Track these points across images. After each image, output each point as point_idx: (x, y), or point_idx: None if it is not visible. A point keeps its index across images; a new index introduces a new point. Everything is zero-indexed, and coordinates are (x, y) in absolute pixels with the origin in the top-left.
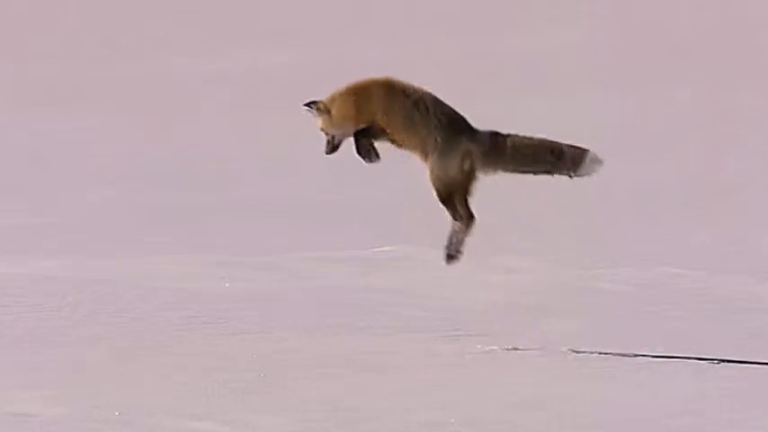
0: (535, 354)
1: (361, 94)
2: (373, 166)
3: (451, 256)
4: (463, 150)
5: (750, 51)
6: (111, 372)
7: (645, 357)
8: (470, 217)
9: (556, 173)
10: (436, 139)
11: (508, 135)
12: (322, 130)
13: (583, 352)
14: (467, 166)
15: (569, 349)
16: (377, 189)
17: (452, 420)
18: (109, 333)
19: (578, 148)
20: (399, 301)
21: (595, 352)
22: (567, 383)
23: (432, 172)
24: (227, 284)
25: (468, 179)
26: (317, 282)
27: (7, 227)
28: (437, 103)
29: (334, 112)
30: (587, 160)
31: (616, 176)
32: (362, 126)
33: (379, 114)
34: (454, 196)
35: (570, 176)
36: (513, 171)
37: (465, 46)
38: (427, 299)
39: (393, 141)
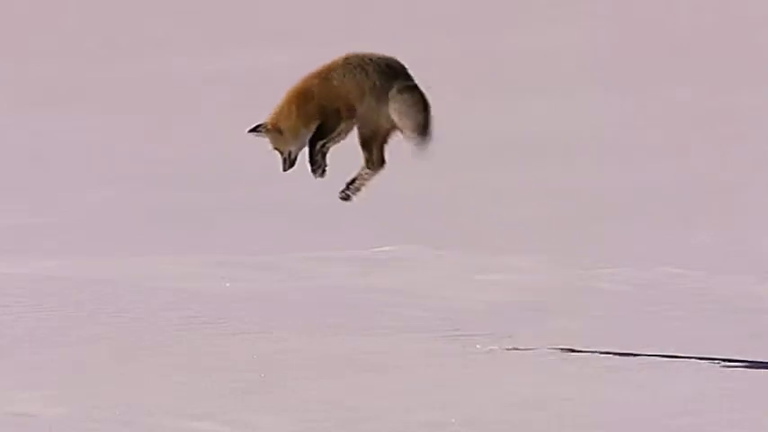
0: (535, 354)
1: (300, 98)
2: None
3: (347, 197)
4: (396, 99)
5: (750, 51)
6: (111, 372)
7: (645, 357)
8: (382, 163)
9: (402, 132)
10: (375, 83)
11: (414, 87)
12: (276, 149)
13: (583, 352)
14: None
15: (569, 349)
16: (377, 189)
17: (452, 420)
18: (109, 333)
19: (427, 134)
20: (399, 301)
21: (595, 352)
22: (567, 383)
23: (364, 114)
24: (228, 284)
25: (393, 128)
26: (317, 282)
27: (7, 227)
28: (371, 53)
29: (283, 126)
30: (421, 144)
31: (616, 176)
32: (315, 124)
33: (323, 95)
34: (374, 141)
35: (411, 144)
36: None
37: (465, 46)
38: (427, 299)
39: (348, 112)
